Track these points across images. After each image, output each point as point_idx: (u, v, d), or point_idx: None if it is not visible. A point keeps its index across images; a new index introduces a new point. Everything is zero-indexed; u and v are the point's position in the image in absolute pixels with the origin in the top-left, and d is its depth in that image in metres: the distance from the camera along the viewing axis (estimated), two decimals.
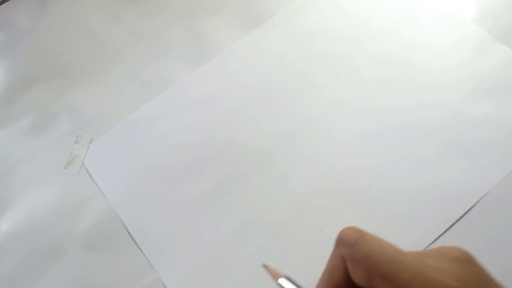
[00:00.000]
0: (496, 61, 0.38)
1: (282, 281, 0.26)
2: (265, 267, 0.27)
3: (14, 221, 0.37)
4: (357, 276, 0.19)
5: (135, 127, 0.40)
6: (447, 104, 0.37)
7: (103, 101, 0.42)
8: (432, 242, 0.32)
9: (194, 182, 0.37)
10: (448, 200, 0.34)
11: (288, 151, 0.37)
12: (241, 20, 0.44)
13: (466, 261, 0.18)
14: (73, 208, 0.37)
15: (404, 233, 0.33)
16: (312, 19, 0.43)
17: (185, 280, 0.33)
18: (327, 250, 0.33)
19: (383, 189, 0.34)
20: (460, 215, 0.33)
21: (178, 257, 0.34)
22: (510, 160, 0.34)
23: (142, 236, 0.35)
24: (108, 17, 0.46)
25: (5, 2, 0.48)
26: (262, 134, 0.38)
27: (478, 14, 0.41)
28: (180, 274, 0.34)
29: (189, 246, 0.34)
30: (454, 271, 0.18)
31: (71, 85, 0.43)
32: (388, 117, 0.37)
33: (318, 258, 0.33)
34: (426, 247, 0.32)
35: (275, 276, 0.26)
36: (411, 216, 0.33)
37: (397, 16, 0.42)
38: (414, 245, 0.32)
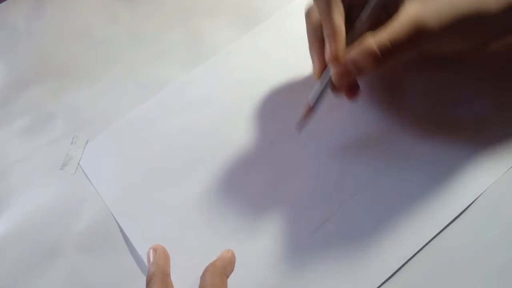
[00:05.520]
0: None
1: None
2: None
3: (9, 222, 0.37)
4: None
5: (131, 127, 0.40)
6: None
7: (100, 102, 0.42)
8: (436, 235, 0.32)
9: (190, 182, 0.37)
10: (452, 192, 0.34)
11: (286, 151, 0.37)
12: (238, 21, 0.44)
13: None
14: (69, 209, 0.37)
15: (403, 231, 0.33)
16: None
17: (182, 282, 0.33)
18: (326, 248, 0.33)
19: (383, 186, 0.34)
20: (467, 204, 0.33)
21: (174, 258, 0.34)
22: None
23: (138, 237, 0.35)
24: (105, 17, 0.46)
25: (0, 2, 0.48)
26: (258, 134, 0.38)
27: None
28: (177, 276, 0.33)
29: (186, 247, 0.34)
30: None
31: (68, 85, 0.43)
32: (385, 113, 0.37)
33: (317, 256, 0.33)
34: (426, 243, 0.32)
35: None
36: (408, 214, 0.33)
37: None
38: (414, 241, 0.32)
